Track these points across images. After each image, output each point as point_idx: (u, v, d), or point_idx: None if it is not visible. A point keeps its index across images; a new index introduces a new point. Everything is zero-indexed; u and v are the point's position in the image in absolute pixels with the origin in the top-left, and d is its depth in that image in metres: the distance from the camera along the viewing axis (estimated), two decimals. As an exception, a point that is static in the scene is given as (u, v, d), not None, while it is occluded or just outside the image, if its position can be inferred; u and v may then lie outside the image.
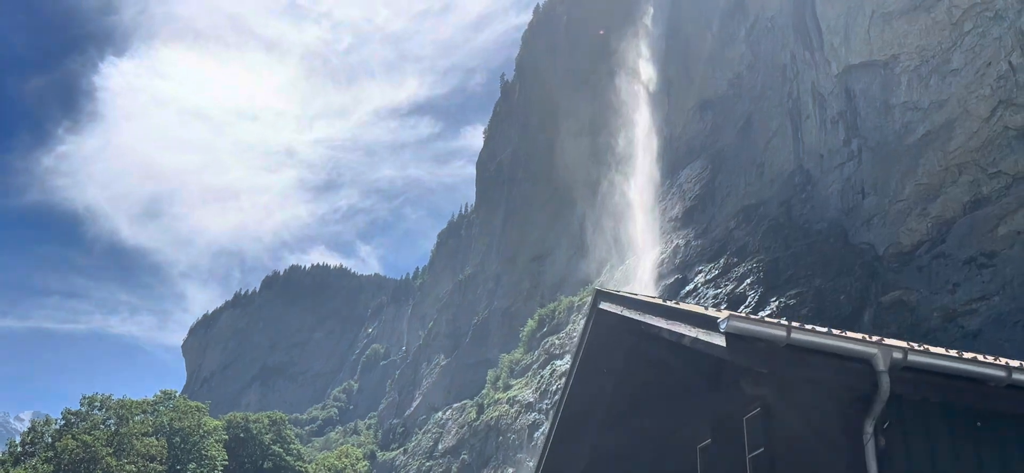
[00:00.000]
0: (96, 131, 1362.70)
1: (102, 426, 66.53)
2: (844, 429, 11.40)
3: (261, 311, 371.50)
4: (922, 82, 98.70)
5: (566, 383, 13.54)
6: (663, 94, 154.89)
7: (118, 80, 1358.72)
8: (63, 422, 67.63)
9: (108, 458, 59.89)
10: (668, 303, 12.24)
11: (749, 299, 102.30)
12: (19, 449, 67.77)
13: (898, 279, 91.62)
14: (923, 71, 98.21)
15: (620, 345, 14.14)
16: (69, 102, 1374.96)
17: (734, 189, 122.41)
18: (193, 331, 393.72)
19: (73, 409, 67.40)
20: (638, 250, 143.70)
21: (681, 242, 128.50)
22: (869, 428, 11.07)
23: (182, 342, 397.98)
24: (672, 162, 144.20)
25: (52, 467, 59.55)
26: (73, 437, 61.80)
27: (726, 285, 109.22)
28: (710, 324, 11.59)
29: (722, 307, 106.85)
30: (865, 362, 11.57)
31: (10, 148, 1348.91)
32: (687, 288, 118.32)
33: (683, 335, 11.70)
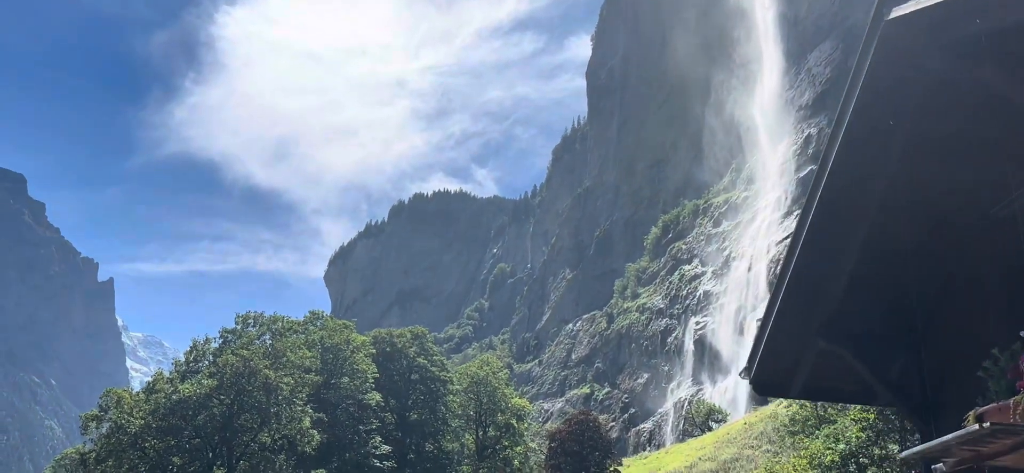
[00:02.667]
0: (220, 81, 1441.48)
1: (257, 341, 68.93)
2: None
3: (392, 239, 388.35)
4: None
5: (827, 153, 9.12)
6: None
7: (234, 28, 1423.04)
8: (221, 340, 69.80)
9: (266, 370, 62.76)
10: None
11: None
12: (184, 367, 71.10)
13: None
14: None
15: (920, 80, 8.00)
16: (192, 54, 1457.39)
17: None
18: (332, 262, 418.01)
19: (229, 328, 70.29)
20: (764, 145, 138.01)
21: (813, 131, 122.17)
22: None
23: (324, 273, 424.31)
24: (798, 45, 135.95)
25: (216, 381, 62.79)
26: (232, 353, 64.26)
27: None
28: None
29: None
30: None
31: (145, 104, 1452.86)
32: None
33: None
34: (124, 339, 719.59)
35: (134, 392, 64.82)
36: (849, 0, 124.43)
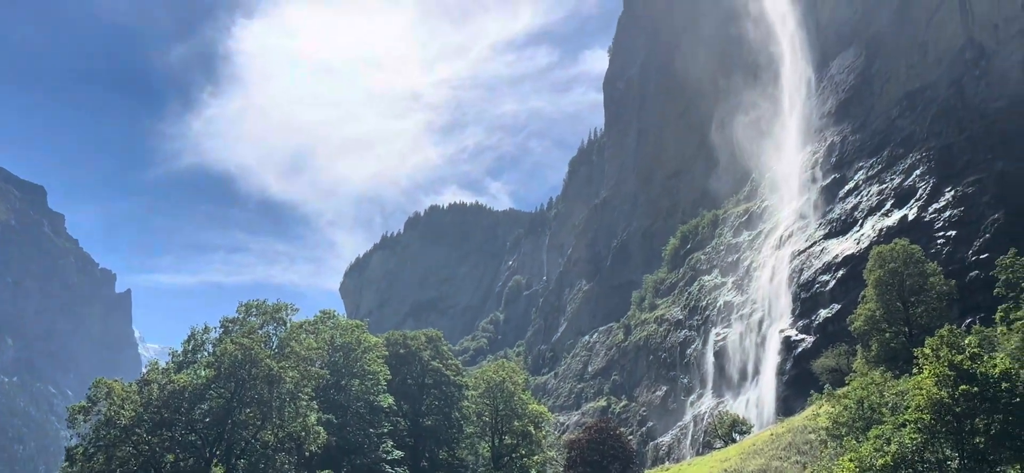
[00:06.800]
0: (237, 93, 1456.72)
1: (260, 331, 65.34)
2: None
3: (407, 251, 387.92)
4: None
5: None
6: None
7: (251, 42, 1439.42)
8: (222, 329, 66.58)
9: (269, 360, 59.38)
10: None
11: (920, 192, 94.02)
12: (181, 357, 67.49)
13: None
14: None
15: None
16: (209, 67, 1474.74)
17: (894, 74, 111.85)
18: (348, 274, 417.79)
19: (231, 316, 66.90)
20: (787, 153, 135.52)
21: (837, 139, 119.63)
22: None
23: (339, 285, 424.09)
24: (820, 53, 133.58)
25: (214, 371, 59.81)
26: (232, 341, 60.97)
27: (891, 179, 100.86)
28: None
29: (889, 204, 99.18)
30: None
31: (163, 116, 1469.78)
32: (847, 187, 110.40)
33: None
34: (140, 350, 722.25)
35: (126, 383, 61.30)
36: (872, 7, 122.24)
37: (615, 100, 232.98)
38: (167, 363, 69.13)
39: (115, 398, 58.22)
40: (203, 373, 61.77)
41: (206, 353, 67.09)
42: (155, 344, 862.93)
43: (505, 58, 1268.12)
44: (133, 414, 57.55)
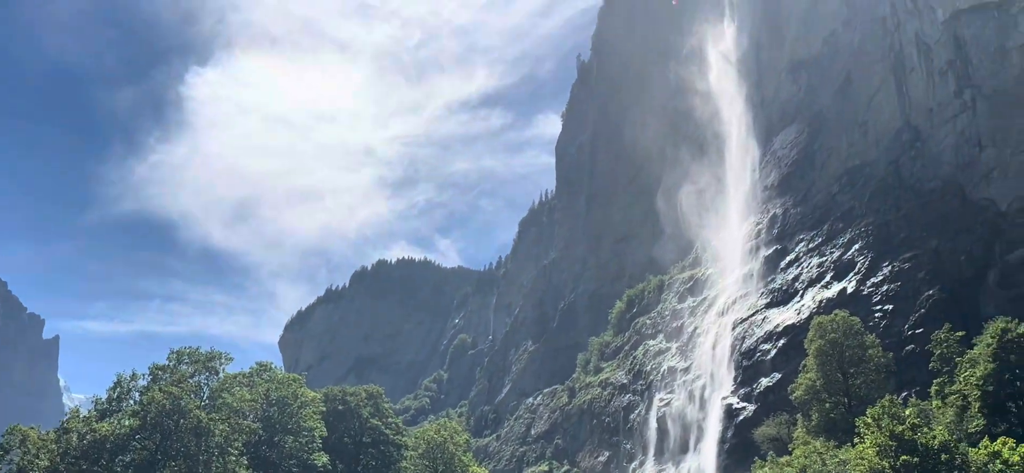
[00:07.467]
0: (185, 139, 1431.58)
1: (191, 380, 62.94)
2: None
3: (352, 305, 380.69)
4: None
5: None
6: (751, 59, 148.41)
7: (203, 89, 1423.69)
8: (151, 376, 63.72)
9: (198, 411, 56.86)
10: None
11: (858, 265, 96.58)
12: (104, 405, 64.12)
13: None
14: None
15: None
16: (158, 113, 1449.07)
17: (835, 151, 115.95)
18: (288, 327, 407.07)
19: (160, 363, 64.06)
20: (731, 223, 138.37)
21: (779, 211, 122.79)
22: None
23: (278, 339, 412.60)
24: (765, 129, 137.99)
25: (138, 420, 56.92)
26: (160, 389, 58.33)
27: (831, 252, 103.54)
28: None
29: (828, 276, 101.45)
30: None
31: (106, 159, 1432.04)
32: (788, 258, 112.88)
33: None
34: (65, 400, 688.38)
35: (43, 431, 57.22)
36: (815, 87, 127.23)
37: (567, 164, 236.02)
38: (89, 411, 65.01)
39: (30, 446, 54.52)
40: (127, 422, 58.19)
41: (132, 401, 63.41)
42: (81, 394, 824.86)
43: (460, 118, 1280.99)
44: (48, 464, 53.79)
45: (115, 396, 64.85)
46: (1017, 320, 60.67)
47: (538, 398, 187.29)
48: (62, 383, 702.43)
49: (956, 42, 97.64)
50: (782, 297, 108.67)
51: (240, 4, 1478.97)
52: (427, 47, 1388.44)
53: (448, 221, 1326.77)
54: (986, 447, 39.64)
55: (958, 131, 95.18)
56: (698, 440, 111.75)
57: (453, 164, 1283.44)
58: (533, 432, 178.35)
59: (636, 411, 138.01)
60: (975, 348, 62.94)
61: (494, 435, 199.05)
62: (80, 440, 55.61)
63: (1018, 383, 56.27)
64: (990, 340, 58.85)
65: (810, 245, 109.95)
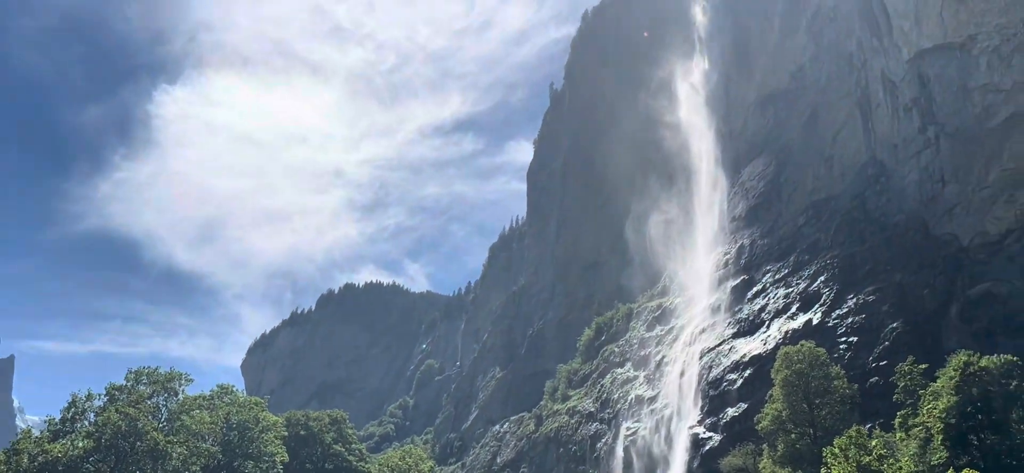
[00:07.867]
0: (151, 158, 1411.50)
1: (149, 401, 61.50)
2: None
3: (318, 329, 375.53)
4: (1003, 62, 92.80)
5: None
6: (721, 92, 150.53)
7: (171, 108, 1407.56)
8: (107, 397, 62.29)
9: (155, 433, 55.29)
10: None
11: (824, 297, 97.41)
12: (58, 426, 62.35)
13: (986, 270, 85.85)
14: (1004, 50, 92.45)
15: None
16: (125, 130, 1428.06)
17: (801, 184, 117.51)
18: (251, 351, 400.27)
19: (118, 383, 62.46)
20: (699, 252, 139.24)
21: (746, 242, 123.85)
22: None
23: (241, 362, 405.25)
24: (733, 160, 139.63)
25: (93, 442, 55.37)
26: (116, 410, 56.93)
27: (797, 283, 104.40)
28: None
29: (794, 307, 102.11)
30: None
31: (69, 175, 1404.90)
32: (755, 289, 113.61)
33: None
34: (18, 422, 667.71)
35: None
36: (782, 120, 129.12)
37: (538, 190, 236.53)
38: (42, 432, 62.54)
39: (-24, 471, 52.06)
40: (81, 444, 56.09)
41: (87, 422, 61.16)
42: (36, 415, 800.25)
43: (432, 142, 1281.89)
44: (-5, 490, 51.51)
45: (69, 417, 62.57)
46: (979, 354, 61.30)
47: (505, 425, 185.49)
48: (16, 404, 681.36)
49: (920, 80, 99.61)
50: (749, 327, 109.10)
51: (213, 24, 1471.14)
52: (401, 71, 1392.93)
53: (418, 245, 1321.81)
54: (950, 480, 39.80)
55: (922, 167, 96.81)
56: (664, 470, 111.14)
57: (424, 188, 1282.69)
58: (499, 460, 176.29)
59: (603, 440, 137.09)
60: (938, 381, 63.37)
61: (459, 463, 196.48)
62: (31, 461, 53.40)
63: (980, 416, 56.72)
64: (953, 373, 59.35)
65: (777, 276, 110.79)
